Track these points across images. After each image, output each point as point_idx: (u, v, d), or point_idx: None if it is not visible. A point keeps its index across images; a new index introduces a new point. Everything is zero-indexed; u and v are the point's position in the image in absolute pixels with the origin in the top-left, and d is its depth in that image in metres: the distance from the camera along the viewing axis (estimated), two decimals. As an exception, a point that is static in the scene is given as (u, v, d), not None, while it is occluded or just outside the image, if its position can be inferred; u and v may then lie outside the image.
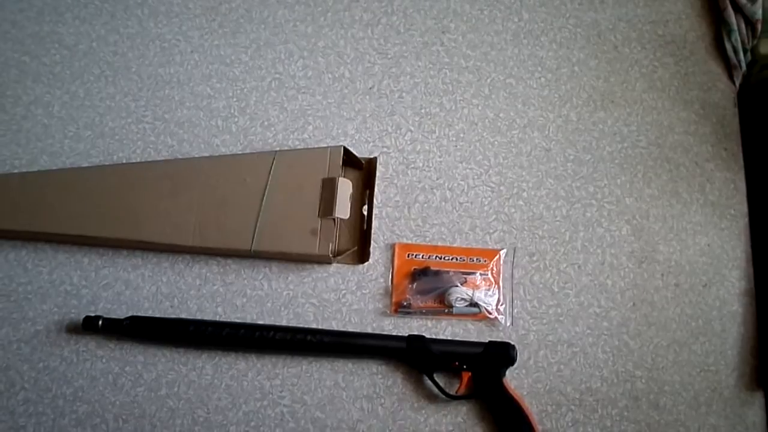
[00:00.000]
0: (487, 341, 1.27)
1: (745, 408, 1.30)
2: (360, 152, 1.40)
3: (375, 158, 1.41)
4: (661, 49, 1.52)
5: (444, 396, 1.24)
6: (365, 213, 1.37)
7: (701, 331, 1.33)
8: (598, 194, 1.40)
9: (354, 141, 1.43)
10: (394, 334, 1.30)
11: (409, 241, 1.36)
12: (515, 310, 1.32)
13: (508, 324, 1.31)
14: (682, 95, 1.48)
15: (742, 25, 1.48)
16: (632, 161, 1.43)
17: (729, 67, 1.50)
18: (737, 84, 1.49)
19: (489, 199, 1.40)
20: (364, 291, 1.33)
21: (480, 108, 1.46)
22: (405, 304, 1.31)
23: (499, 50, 1.51)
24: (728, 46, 1.49)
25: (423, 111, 1.46)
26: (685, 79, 1.50)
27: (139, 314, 1.30)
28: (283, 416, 1.26)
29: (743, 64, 1.48)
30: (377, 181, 1.39)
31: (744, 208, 1.41)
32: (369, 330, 1.31)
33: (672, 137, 1.45)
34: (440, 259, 1.35)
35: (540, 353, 1.31)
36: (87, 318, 1.27)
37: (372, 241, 1.35)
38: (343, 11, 1.53)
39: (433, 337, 1.29)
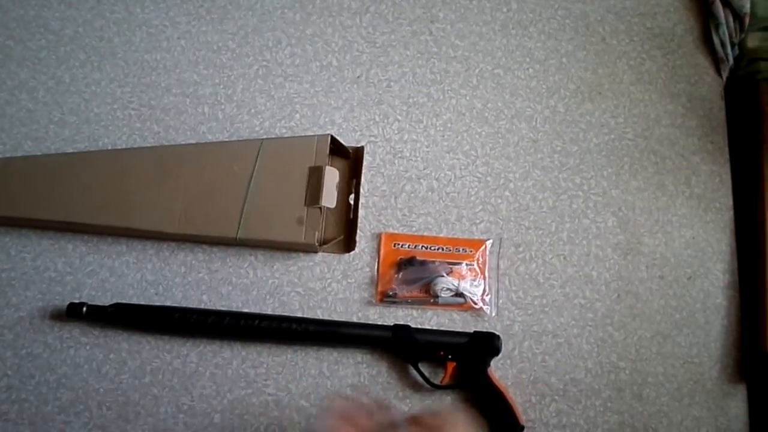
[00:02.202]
0: (472, 331, 1.28)
1: (727, 400, 1.30)
2: (347, 141, 1.39)
3: (362, 147, 1.40)
4: (649, 41, 1.52)
5: (429, 385, 1.25)
6: (352, 202, 1.36)
7: (685, 323, 1.34)
8: (584, 186, 1.41)
9: (341, 130, 1.42)
10: (379, 323, 1.30)
11: (396, 231, 1.36)
12: (500, 301, 1.33)
13: (493, 314, 1.32)
14: (670, 88, 1.48)
15: (730, 19, 1.48)
16: (619, 153, 1.43)
17: (716, 61, 1.50)
18: (724, 77, 1.49)
19: (476, 189, 1.40)
20: (349, 280, 1.33)
21: (468, 98, 1.46)
22: (390, 293, 1.31)
23: (487, 40, 1.51)
24: (716, 40, 1.49)
25: (411, 100, 1.45)
26: (673, 72, 1.50)
27: (124, 301, 1.30)
28: (267, 405, 1.26)
29: (730, 58, 1.48)
30: (364, 171, 1.39)
31: (729, 201, 1.42)
32: (354, 319, 1.31)
33: (659, 130, 1.45)
34: (426, 249, 1.35)
35: (525, 344, 1.31)
36: (71, 305, 1.26)
37: (358, 231, 1.35)
38: (332, -1, 1.53)
39: (419, 326, 1.29)
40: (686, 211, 1.40)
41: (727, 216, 1.41)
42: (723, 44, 1.48)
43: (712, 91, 1.49)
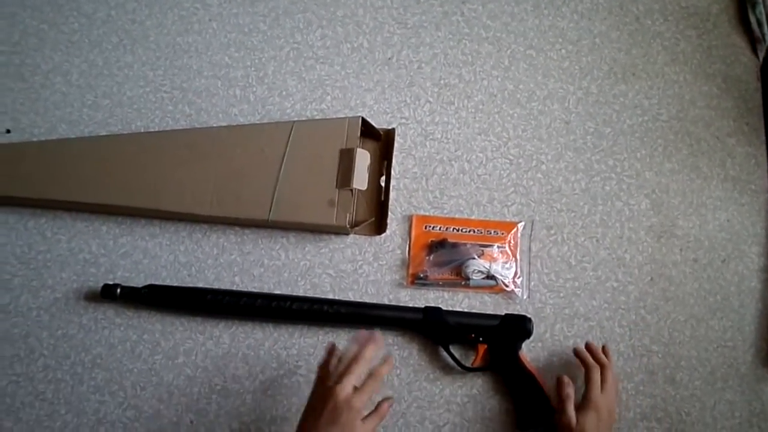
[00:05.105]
0: (503, 314, 1.27)
1: (761, 384, 1.29)
2: (378, 123, 1.39)
3: (393, 129, 1.40)
4: (683, 21, 1.50)
5: (460, 368, 1.25)
6: (383, 184, 1.36)
7: (719, 306, 1.33)
8: (617, 168, 1.40)
9: (372, 112, 1.42)
10: (410, 305, 1.30)
11: (427, 213, 1.36)
12: (532, 283, 1.32)
13: (524, 297, 1.31)
14: (705, 68, 1.47)
15: (767, -2, 1.46)
16: (653, 135, 1.42)
17: (753, 41, 1.48)
18: (761, 58, 1.47)
19: (507, 171, 1.39)
20: (381, 262, 1.33)
21: (499, 79, 1.45)
22: (422, 275, 1.31)
23: (519, 21, 1.49)
24: (752, 19, 1.47)
25: (442, 82, 1.45)
26: (708, 52, 1.48)
27: (157, 283, 1.31)
28: (299, 386, 1.26)
29: (767, 38, 1.46)
30: (395, 153, 1.38)
31: (765, 183, 1.40)
32: (385, 301, 1.31)
33: (693, 111, 1.44)
34: (457, 231, 1.34)
35: (556, 327, 1.31)
36: (105, 286, 1.28)
37: (389, 213, 1.35)
38: (363, -20, 1.52)
39: (450, 309, 1.29)
40: (721, 193, 1.39)
41: (762, 198, 1.39)
42: (759, 23, 1.46)
43: (748, 72, 1.47)
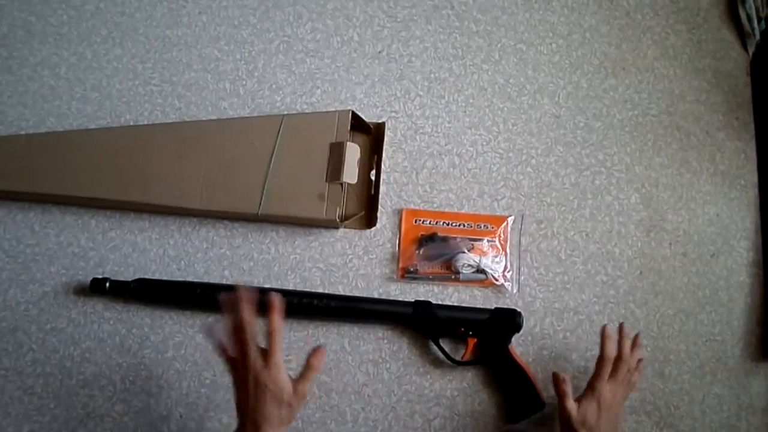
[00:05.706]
0: (493, 308, 1.27)
1: (749, 378, 1.30)
2: (368, 117, 1.39)
3: (383, 123, 1.40)
4: (673, 15, 1.50)
5: (449, 361, 1.25)
6: (373, 178, 1.36)
7: (708, 300, 1.33)
8: (607, 162, 1.40)
9: (362, 105, 1.42)
10: (400, 299, 1.30)
11: (417, 207, 1.36)
12: (522, 277, 1.32)
13: (514, 291, 1.31)
14: (695, 63, 1.47)
15: (757, -7, 1.46)
16: (642, 129, 1.42)
17: (742, 36, 1.48)
18: (750, 53, 1.47)
19: (497, 165, 1.39)
20: (371, 256, 1.33)
21: (490, 73, 1.45)
22: (412, 269, 1.31)
23: (510, 14, 1.49)
24: (742, 14, 1.47)
25: (432, 76, 1.45)
26: (698, 46, 1.48)
27: (146, 277, 1.30)
28: (289, 380, 1.26)
29: (757, 33, 1.46)
30: (385, 146, 1.38)
31: (754, 178, 1.40)
32: (375, 295, 1.31)
33: (683, 106, 1.44)
34: (447, 225, 1.34)
35: (546, 320, 1.31)
36: (94, 280, 1.27)
37: (379, 207, 1.35)
38: (353, -27, 1.52)
39: (440, 302, 1.29)
40: (710, 188, 1.39)
41: (751, 193, 1.39)
42: (749, 18, 1.46)
43: (737, 67, 1.47)
